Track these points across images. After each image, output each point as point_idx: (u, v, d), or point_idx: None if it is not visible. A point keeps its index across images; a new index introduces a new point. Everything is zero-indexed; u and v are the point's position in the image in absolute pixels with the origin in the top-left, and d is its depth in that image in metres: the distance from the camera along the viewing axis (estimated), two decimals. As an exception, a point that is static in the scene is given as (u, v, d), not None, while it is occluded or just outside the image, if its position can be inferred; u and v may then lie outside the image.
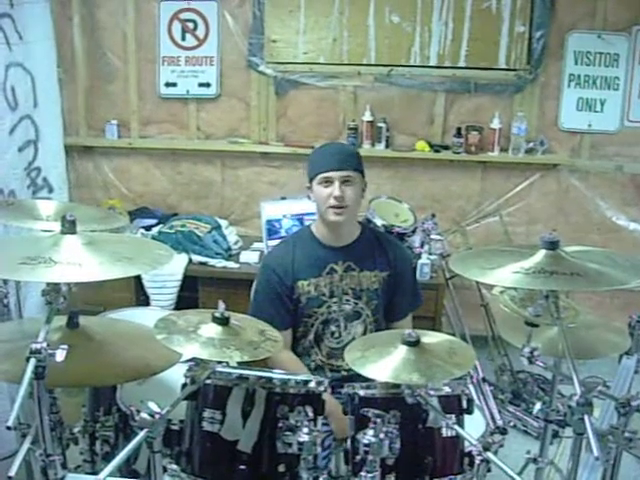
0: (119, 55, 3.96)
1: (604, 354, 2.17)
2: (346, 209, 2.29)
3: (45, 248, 1.65)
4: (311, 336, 2.39)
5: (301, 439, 1.72)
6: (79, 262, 1.62)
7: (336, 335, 2.39)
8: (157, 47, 3.92)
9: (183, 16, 3.88)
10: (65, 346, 1.52)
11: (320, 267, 2.37)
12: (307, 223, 2.78)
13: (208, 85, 3.94)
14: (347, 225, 2.37)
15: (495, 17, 3.67)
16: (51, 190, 3.61)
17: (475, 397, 2.00)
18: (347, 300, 2.38)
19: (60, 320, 1.82)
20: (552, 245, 1.79)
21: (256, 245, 3.71)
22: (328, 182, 2.28)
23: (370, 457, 1.69)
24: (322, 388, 1.82)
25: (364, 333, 2.40)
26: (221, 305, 1.79)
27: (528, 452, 2.25)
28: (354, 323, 2.39)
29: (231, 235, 3.75)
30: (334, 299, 2.37)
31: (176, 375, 1.85)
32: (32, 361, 1.46)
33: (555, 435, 2.77)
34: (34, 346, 1.47)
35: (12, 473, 1.49)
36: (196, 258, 3.54)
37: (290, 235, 2.70)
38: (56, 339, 1.74)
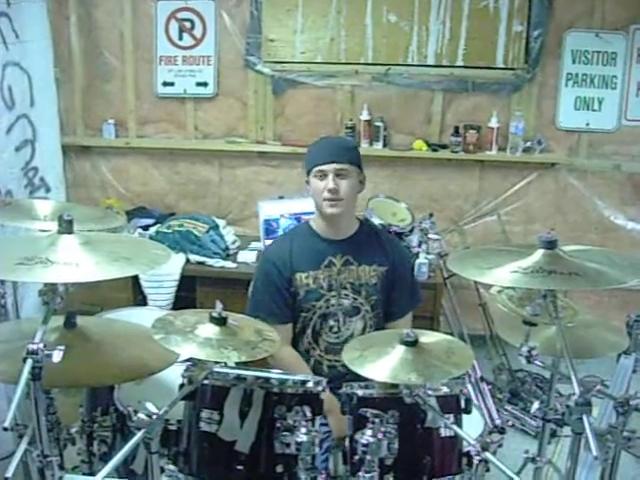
0: (116, 54, 3.95)
1: (602, 353, 2.17)
2: (341, 202, 2.29)
3: (42, 248, 1.64)
4: (309, 330, 2.39)
5: (299, 439, 1.72)
6: (76, 262, 1.61)
7: (335, 330, 2.38)
8: (154, 46, 3.91)
9: (180, 15, 3.87)
10: (62, 346, 1.51)
11: (318, 260, 2.36)
12: (304, 222, 2.77)
13: (205, 84, 3.94)
14: (345, 218, 2.37)
15: (493, 16, 3.66)
16: (48, 190, 3.60)
17: (473, 396, 2.00)
18: (346, 294, 2.37)
19: (57, 320, 1.81)
20: (550, 244, 1.78)
21: (254, 245, 3.70)
22: (323, 175, 2.29)
23: (368, 457, 1.69)
24: (320, 388, 1.82)
25: (364, 330, 2.39)
26: (219, 305, 1.79)
27: (526, 451, 2.25)
28: (353, 319, 2.38)
29: (229, 235, 3.74)
30: (332, 293, 2.36)
31: (174, 375, 1.85)
32: (29, 362, 1.46)
33: (553, 434, 2.75)
34: (31, 347, 1.47)
35: (9, 474, 1.49)
36: (194, 258, 3.53)
37: (288, 231, 2.70)
38: (53, 339, 1.73)
